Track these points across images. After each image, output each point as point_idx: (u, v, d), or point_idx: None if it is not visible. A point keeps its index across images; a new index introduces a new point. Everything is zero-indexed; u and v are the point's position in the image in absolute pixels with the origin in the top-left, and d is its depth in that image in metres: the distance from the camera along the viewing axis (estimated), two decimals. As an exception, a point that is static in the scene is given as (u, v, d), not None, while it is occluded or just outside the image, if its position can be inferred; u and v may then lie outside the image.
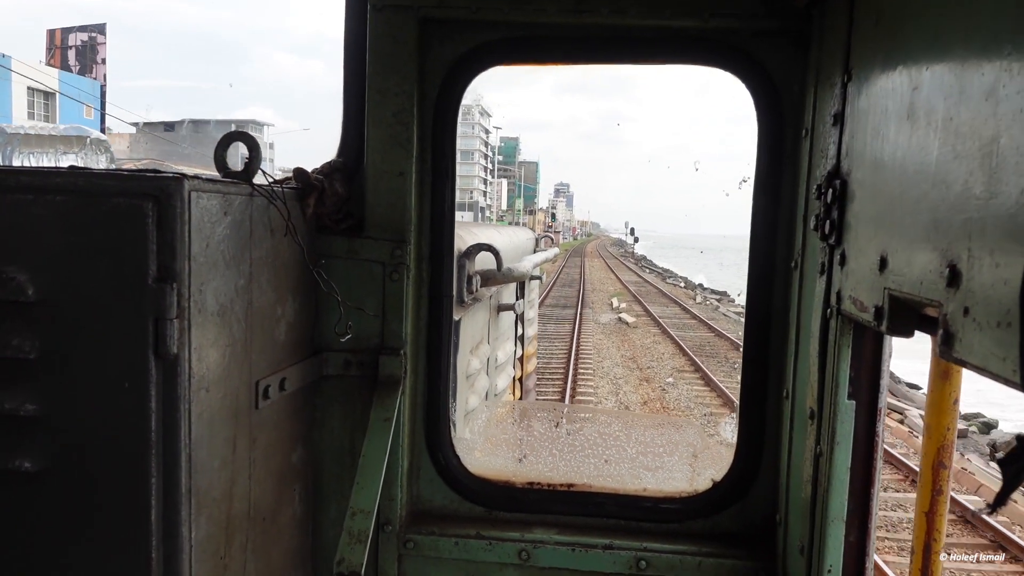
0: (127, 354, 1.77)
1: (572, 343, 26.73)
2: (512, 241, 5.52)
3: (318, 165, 2.72)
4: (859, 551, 2.13)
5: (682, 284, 61.20)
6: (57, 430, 1.80)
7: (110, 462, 1.81)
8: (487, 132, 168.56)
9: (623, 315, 35.28)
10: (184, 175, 1.82)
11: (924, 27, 1.57)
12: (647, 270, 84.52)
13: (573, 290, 48.16)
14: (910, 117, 1.58)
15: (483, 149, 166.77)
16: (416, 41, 2.58)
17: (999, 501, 1.10)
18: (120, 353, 1.78)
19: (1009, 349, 1.09)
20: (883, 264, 1.69)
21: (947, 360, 1.33)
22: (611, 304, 40.60)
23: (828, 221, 2.09)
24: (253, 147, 2.20)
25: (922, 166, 1.51)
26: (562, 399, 18.65)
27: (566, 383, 20.15)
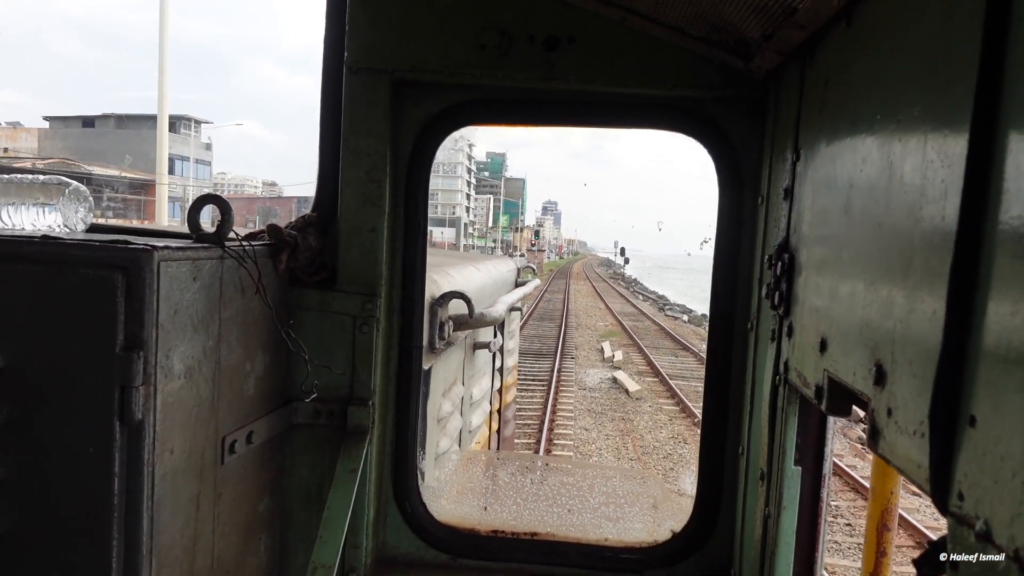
0: (92, 421, 1.82)
1: (541, 435, 15.67)
2: (491, 276, 5.59)
3: (292, 220, 2.80)
4: None
5: (685, 318, 46.82)
6: (22, 494, 1.85)
7: (72, 525, 1.85)
8: (471, 146, 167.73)
9: (619, 373, 23.47)
10: (155, 246, 1.88)
11: (860, 126, 1.65)
12: (639, 296, 71.46)
13: (553, 327, 35.22)
14: (847, 212, 1.67)
15: (467, 163, 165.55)
16: (389, 103, 2.67)
17: None
18: (86, 420, 1.83)
19: (922, 457, 1.15)
20: (823, 345, 1.76)
21: (874, 453, 1.40)
22: (601, 351, 28.46)
23: (777, 292, 2.18)
24: (226, 210, 2.27)
25: (856, 261, 1.59)
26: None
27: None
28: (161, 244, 1.92)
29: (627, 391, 21.28)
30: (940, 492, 1.10)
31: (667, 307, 56.52)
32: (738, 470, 2.64)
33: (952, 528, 1.06)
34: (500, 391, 6.72)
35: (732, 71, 2.54)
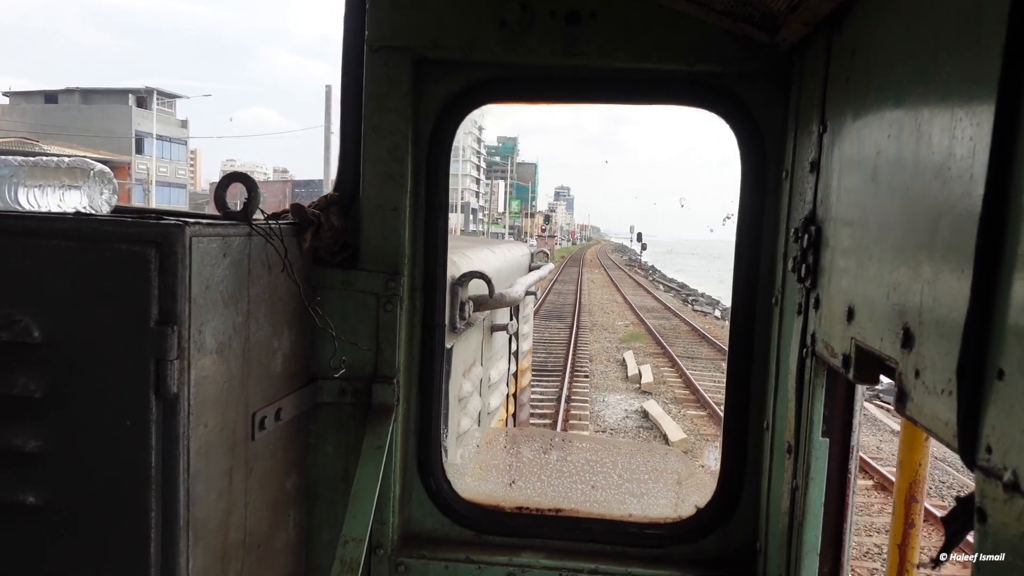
0: (128, 394, 1.85)
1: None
2: (507, 259, 5.60)
3: (315, 200, 2.81)
4: None
5: (716, 313, 39.37)
6: (60, 466, 1.88)
7: (110, 496, 1.89)
8: (480, 129, 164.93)
9: (651, 404, 17.04)
10: (186, 221, 1.90)
11: (888, 94, 1.64)
12: (659, 285, 62.85)
13: (562, 329, 28.68)
14: (874, 179, 1.67)
15: (475, 146, 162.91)
16: (411, 81, 2.66)
17: (944, 555, 1.18)
18: (122, 393, 1.85)
19: (950, 415, 1.17)
20: (850, 314, 1.77)
21: (901, 415, 1.41)
22: (623, 363, 22.08)
23: (804, 265, 2.17)
24: (252, 187, 2.28)
25: (884, 227, 1.59)
26: None
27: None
28: (192, 220, 1.94)
29: (665, 438, 14.29)
30: (968, 447, 1.12)
31: (691, 298, 49.43)
32: (763, 444, 2.64)
33: (980, 482, 1.08)
34: (515, 375, 6.75)
35: (756, 45, 2.52)
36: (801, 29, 2.26)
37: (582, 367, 21.63)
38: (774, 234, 2.61)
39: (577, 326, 29.85)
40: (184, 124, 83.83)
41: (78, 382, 1.86)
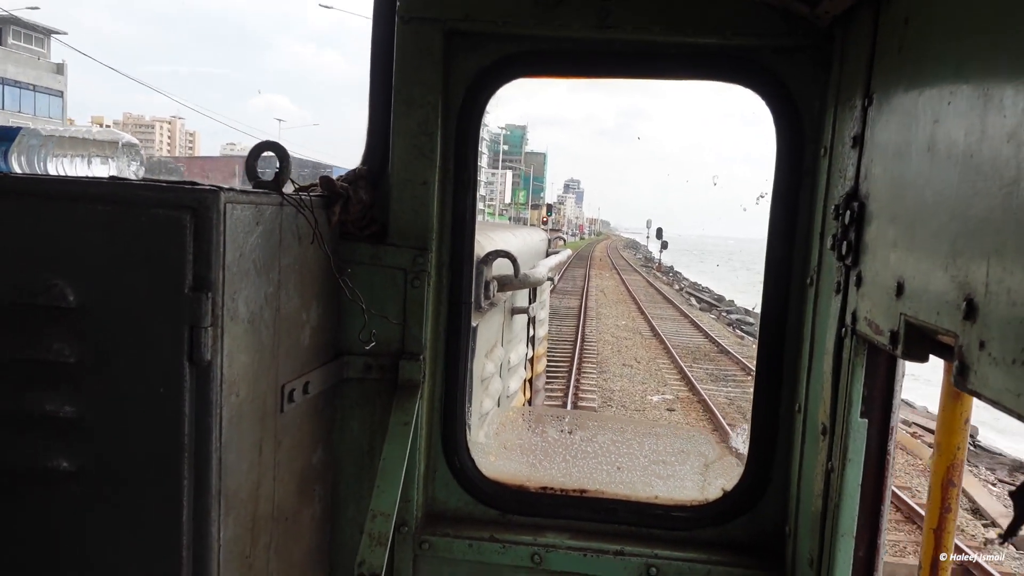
0: (163, 360, 1.83)
1: None
2: (526, 243, 5.57)
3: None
4: (868, 566, 2.18)
5: None
6: (94, 432, 1.87)
7: (144, 463, 1.88)
8: (485, 112, 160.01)
9: None
10: (220, 188, 1.87)
11: (947, 60, 1.60)
12: (690, 298, 46.15)
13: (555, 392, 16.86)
14: (930, 149, 1.62)
15: (481, 133, 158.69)
16: (442, 53, 2.63)
17: (1011, 531, 1.14)
18: (156, 359, 1.84)
19: (1022, 386, 1.13)
20: (900, 290, 1.72)
21: (961, 390, 1.37)
22: None
23: (845, 242, 2.13)
24: (284, 157, 2.26)
25: (942, 197, 1.54)
26: None
27: None
28: (226, 187, 1.92)
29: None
30: None
31: (732, 314, 37.16)
32: (794, 427, 2.60)
33: None
34: (532, 361, 6.73)
35: (795, 18, 2.47)
36: (845, 0, 2.21)
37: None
38: (810, 212, 2.56)
39: (575, 390, 17.86)
40: (60, 70, 60.35)
41: (112, 348, 1.84)
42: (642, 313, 36.23)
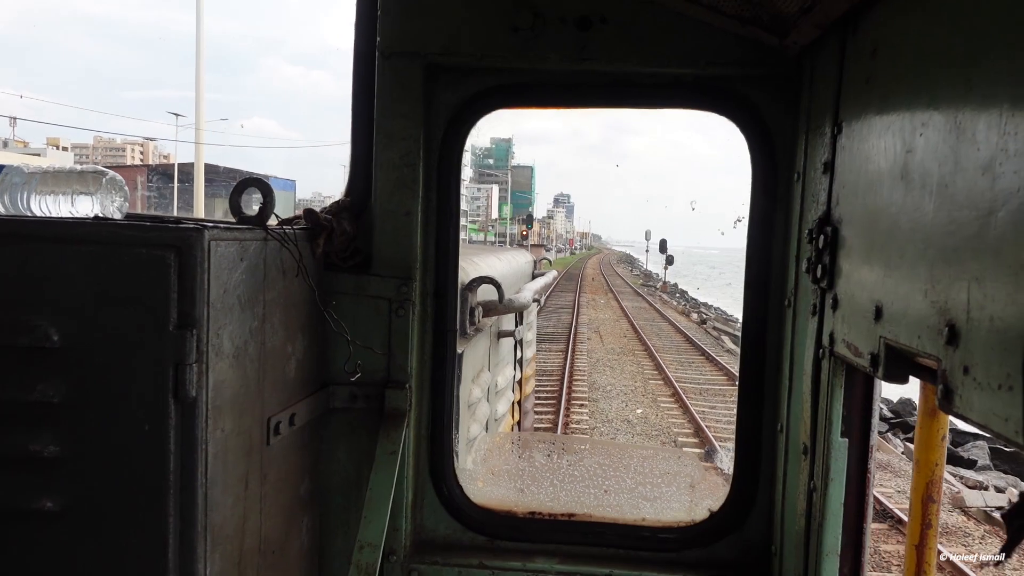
0: (148, 398, 1.84)
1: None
2: (511, 266, 5.61)
3: (326, 205, 2.81)
4: None
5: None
6: (79, 471, 1.87)
7: (129, 501, 1.88)
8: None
9: None
10: (204, 225, 1.90)
11: (918, 92, 1.63)
12: (719, 334, 33.55)
13: None
14: (904, 178, 1.65)
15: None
16: (422, 87, 2.68)
17: (1006, 553, 1.17)
18: (141, 397, 1.85)
19: (1012, 411, 1.14)
20: (878, 313, 1.75)
21: (946, 412, 1.39)
22: None
23: (820, 265, 2.17)
24: (267, 192, 2.29)
25: (918, 225, 1.57)
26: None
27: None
28: (210, 224, 1.94)
29: None
30: None
31: None
32: (776, 447, 2.64)
33: None
34: (520, 382, 6.74)
35: (765, 48, 2.54)
36: (812, 32, 2.28)
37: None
38: (785, 236, 2.61)
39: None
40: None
41: (97, 387, 1.85)
42: (666, 380, 21.47)
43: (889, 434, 18.64)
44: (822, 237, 2.16)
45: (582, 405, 19.12)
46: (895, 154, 1.71)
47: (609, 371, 23.16)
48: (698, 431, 16.81)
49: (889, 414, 20.97)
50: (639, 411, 19.04)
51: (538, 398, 18.65)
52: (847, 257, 2.03)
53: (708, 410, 18.75)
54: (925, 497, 2.28)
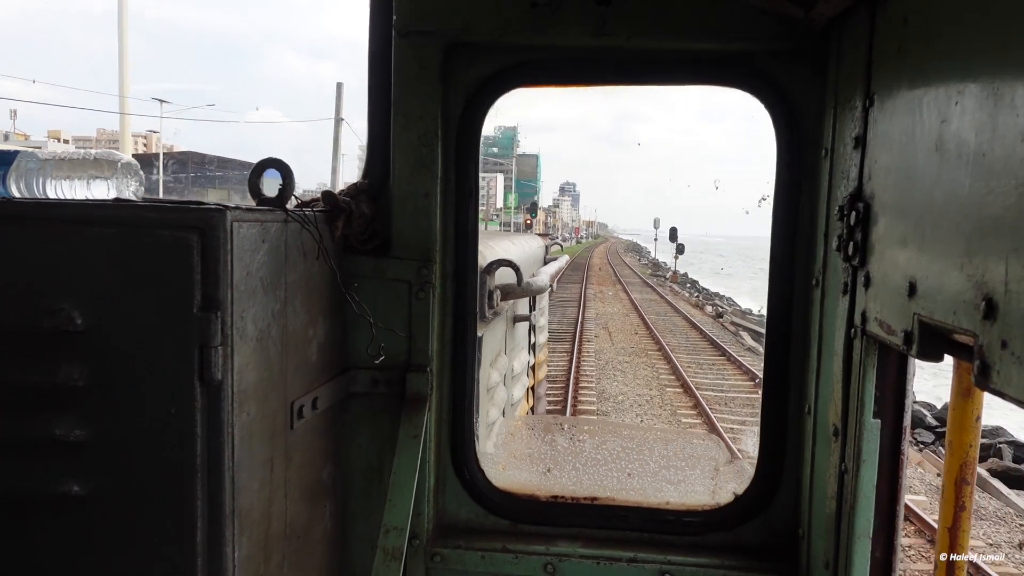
0: (173, 381, 1.82)
1: None
2: (525, 251, 5.57)
3: (343, 187, 2.78)
4: (885, 568, 2.17)
5: None
6: (105, 455, 1.85)
7: (156, 485, 1.86)
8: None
9: None
10: (226, 206, 1.87)
11: (952, 59, 1.59)
12: (736, 329, 31.42)
13: None
14: (939, 148, 1.61)
15: None
16: (440, 66, 2.63)
17: None
18: (166, 380, 1.83)
19: None
20: (912, 290, 1.72)
21: (982, 389, 1.36)
22: None
23: (852, 243, 2.13)
24: (287, 174, 2.26)
25: (953, 197, 1.54)
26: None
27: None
28: (232, 205, 1.91)
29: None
30: None
31: None
32: (803, 429, 2.60)
33: None
34: (533, 368, 6.72)
35: (790, 22, 2.48)
36: (840, 2, 2.22)
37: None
38: (812, 214, 2.56)
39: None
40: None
41: (122, 370, 1.83)
42: (685, 387, 19.26)
43: (936, 443, 17.10)
44: (854, 214, 2.11)
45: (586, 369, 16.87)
46: (930, 124, 1.66)
47: (620, 376, 20.80)
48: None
49: (934, 422, 19.28)
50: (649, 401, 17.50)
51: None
52: (879, 233, 1.98)
53: (738, 427, 15.89)
54: (959, 479, 2.24)
